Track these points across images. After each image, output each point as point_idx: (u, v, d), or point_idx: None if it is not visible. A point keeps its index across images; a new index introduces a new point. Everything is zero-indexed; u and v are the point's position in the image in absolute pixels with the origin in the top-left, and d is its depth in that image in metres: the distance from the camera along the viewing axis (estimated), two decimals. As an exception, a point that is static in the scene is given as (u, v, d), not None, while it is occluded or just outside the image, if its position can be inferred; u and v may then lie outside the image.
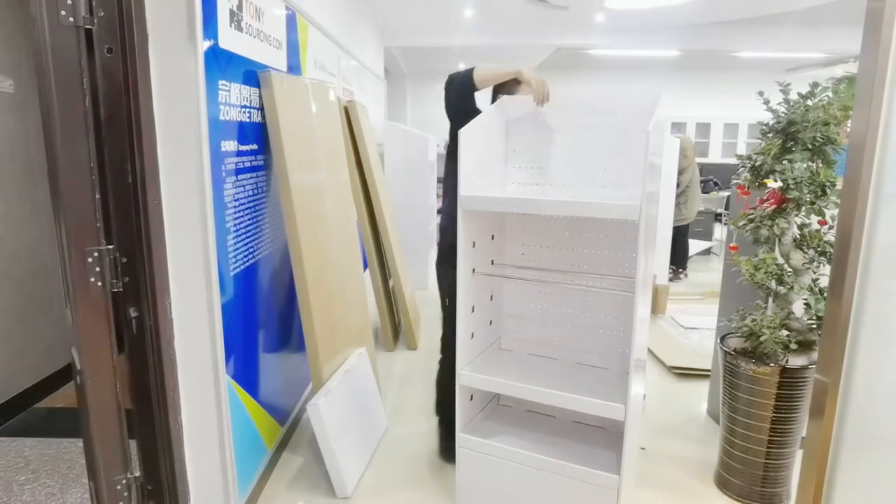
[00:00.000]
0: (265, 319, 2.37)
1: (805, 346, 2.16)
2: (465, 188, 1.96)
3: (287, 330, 2.64)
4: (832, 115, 2.00)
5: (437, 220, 6.75)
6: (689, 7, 5.29)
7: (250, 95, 2.13)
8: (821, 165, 2.07)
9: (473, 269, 2.13)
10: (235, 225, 2.02)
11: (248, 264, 2.14)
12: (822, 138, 2.02)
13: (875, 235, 1.33)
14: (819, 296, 2.10)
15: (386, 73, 6.91)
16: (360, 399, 2.61)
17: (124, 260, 1.62)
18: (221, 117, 1.89)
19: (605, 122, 2.13)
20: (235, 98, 1.99)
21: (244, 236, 2.10)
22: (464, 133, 1.92)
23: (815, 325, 2.13)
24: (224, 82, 1.90)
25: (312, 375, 2.34)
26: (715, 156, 9.49)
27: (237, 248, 2.04)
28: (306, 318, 2.31)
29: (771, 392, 2.15)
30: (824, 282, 2.15)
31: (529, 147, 2.27)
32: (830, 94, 2.07)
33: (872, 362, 1.38)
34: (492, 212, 2.19)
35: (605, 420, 2.17)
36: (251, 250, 2.18)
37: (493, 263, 2.30)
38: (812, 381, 2.14)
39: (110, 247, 1.61)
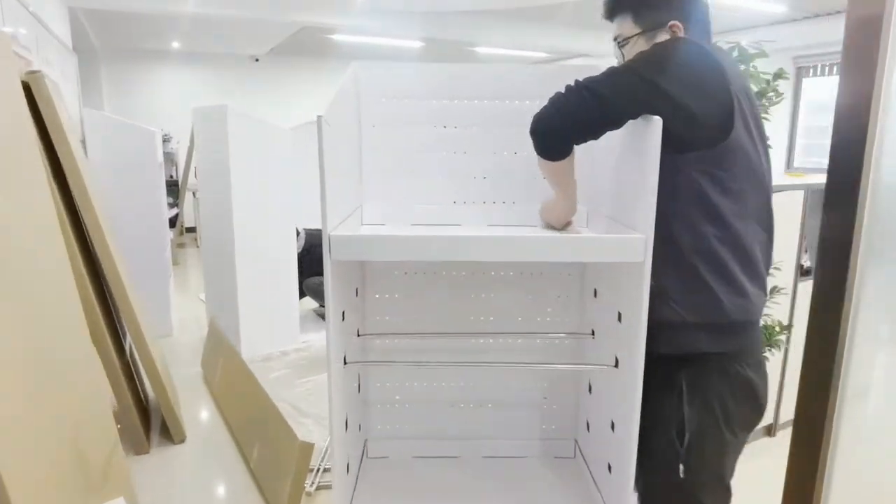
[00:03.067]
0: None
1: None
2: (334, 222, 1.07)
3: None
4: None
5: (171, 236, 5.24)
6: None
7: None
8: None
9: (345, 359, 1.23)
10: None
11: None
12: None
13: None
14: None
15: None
16: None
17: None
18: None
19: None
20: None
21: None
22: (324, 121, 1.02)
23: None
24: None
25: None
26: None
27: None
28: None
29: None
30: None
31: (388, 153, 1.47)
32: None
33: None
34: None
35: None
36: None
37: (358, 335, 1.43)
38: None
39: None
